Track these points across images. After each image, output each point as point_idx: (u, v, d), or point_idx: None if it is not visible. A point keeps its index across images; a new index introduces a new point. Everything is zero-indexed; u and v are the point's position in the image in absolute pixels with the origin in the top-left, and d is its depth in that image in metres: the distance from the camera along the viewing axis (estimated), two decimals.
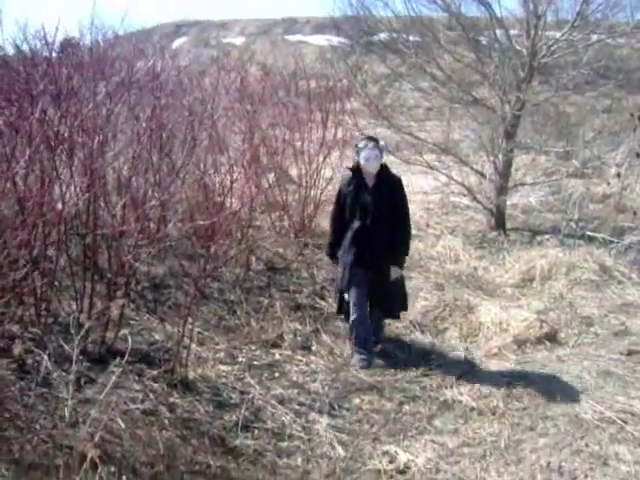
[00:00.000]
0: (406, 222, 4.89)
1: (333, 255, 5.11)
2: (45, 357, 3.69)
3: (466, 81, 7.74)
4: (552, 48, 7.26)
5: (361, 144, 4.82)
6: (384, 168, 4.87)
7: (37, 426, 3.31)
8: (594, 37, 7.54)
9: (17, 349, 3.69)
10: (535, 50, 7.20)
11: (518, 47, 7.39)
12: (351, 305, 4.87)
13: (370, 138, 4.92)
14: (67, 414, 3.24)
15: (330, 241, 5.14)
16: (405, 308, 5.13)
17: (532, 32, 7.16)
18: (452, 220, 8.16)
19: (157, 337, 4.86)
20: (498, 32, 7.35)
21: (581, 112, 8.47)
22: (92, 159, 4.38)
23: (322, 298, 5.82)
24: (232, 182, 6.26)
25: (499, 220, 7.74)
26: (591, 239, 7.04)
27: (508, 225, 7.79)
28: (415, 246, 6.88)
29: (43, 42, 5.65)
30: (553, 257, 6.48)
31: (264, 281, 6.06)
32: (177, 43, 18.19)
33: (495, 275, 6.42)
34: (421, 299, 5.71)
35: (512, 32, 7.48)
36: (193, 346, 4.52)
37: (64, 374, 3.94)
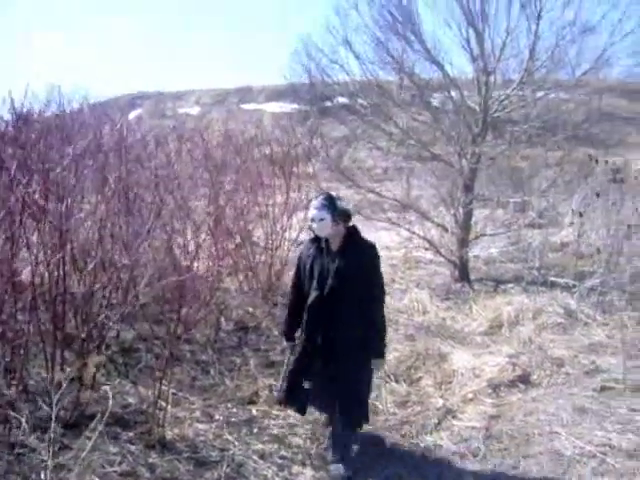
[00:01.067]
0: (378, 304, 4.04)
1: (289, 335, 4.30)
2: (23, 420, 3.64)
3: (423, 139, 8.03)
4: (503, 103, 7.63)
5: (312, 202, 4.15)
6: (353, 231, 4.09)
7: None
8: (541, 93, 7.97)
9: None
10: (487, 106, 7.56)
11: (471, 104, 7.74)
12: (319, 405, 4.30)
13: (323, 194, 4.13)
14: (47, 475, 3.19)
15: (286, 317, 4.37)
16: (365, 418, 4.23)
17: (483, 89, 7.53)
18: (416, 274, 8.32)
19: (130, 400, 4.82)
20: (451, 91, 7.71)
21: (534, 165, 8.84)
22: (61, 222, 4.42)
23: None
24: (198, 245, 6.32)
25: (463, 272, 7.93)
26: (553, 285, 7.26)
27: (472, 276, 7.98)
28: None
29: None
30: (519, 304, 6.65)
31: (235, 341, 6.08)
32: (133, 114, 18.43)
33: (463, 324, 6.55)
34: (393, 350, 5.77)
35: (465, 92, 7.84)
36: (168, 407, 4.48)
37: (38, 440, 3.90)
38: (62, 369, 4.43)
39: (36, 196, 4.38)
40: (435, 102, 8.32)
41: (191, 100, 22.06)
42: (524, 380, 5.19)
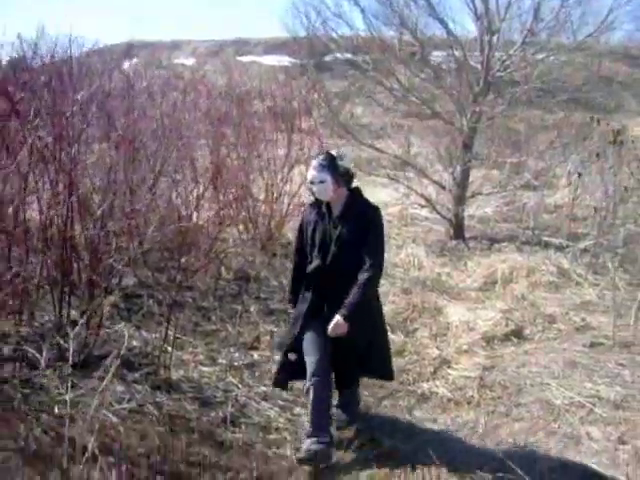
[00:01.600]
0: (373, 266, 3.71)
1: (295, 301, 4.08)
2: (41, 357, 3.78)
3: (423, 96, 8.08)
4: (505, 63, 7.68)
5: (311, 162, 3.91)
6: (356, 193, 3.87)
7: (37, 419, 3.40)
8: (543, 55, 8.03)
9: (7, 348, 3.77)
10: (489, 65, 7.61)
11: (473, 63, 7.79)
12: (307, 368, 3.79)
13: (322, 154, 3.90)
14: (68, 407, 3.34)
15: (290, 285, 4.24)
16: (390, 371, 4.13)
17: (486, 48, 7.57)
18: (412, 231, 8.45)
19: (135, 343, 4.95)
20: (454, 49, 7.74)
21: (532, 126, 8.92)
22: (70, 166, 4.50)
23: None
24: (199, 196, 6.42)
25: (458, 229, 8.07)
26: (547, 245, 7.42)
27: (467, 234, 8.12)
28: None
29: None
30: (513, 262, 6.81)
31: (235, 289, 6.21)
32: (128, 64, 18.24)
33: (458, 280, 6.71)
34: (389, 303, 5.92)
35: (467, 51, 7.87)
36: (173, 350, 4.62)
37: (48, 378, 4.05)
38: (69, 312, 4.57)
39: (49, 140, 4.43)
40: (437, 60, 8.35)
41: (187, 51, 21.83)
42: (517, 334, 5.37)
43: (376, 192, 9.15)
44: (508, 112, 8.08)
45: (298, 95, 8.81)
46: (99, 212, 4.82)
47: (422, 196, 8.11)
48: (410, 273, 6.86)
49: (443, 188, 8.07)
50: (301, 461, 3.61)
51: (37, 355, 3.74)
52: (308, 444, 3.61)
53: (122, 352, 4.82)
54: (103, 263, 4.76)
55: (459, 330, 5.46)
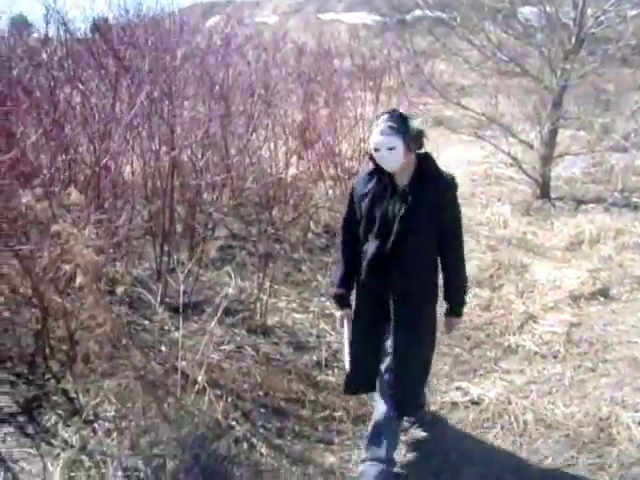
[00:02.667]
0: (458, 254, 3.23)
1: (342, 296, 3.37)
2: (157, 296, 4.10)
3: (512, 53, 8.00)
4: (599, 20, 7.50)
5: (374, 123, 3.16)
6: (426, 160, 3.17)
7: (153, 352, 3.74)
8: (638, 10, 7.79)
9: (120, 289, 4.10)
10: (582, 22, 7.45)
11: (564, 19, 7.64)
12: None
13: (389, 112, 3.15)
14: (180, 344, 3.64)
15: (337, 272, 3.40)
16: (419, 404, 3.59)
17: (580, 3, 7.41)
18: (497, 190, 8.44)
19: (230, 291, 5.24)
20: (545, 4, 7.61)
21: (624, 86, 8.70)
22: (174, 120, 4.76)
23: None
24: (289, 152, 6.63)
25: (544, 190, 8.03)
26: (636, 207, 7.32)
27: (552, 195, 8.07)
28: (463, 212, 7.21)
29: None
30: (600, 223, 6.77)
31: (324, 242, 6.43)
32: (211, 22, 18.51)
33: (544, 239, 6.72)
34: (475, 259, 6.03)
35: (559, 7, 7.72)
36: (267, 297, 4.88)
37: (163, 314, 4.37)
38: (169, 260, 4.88)
39: (155, 95, 4.69)
40: (526, 16, 8.23)
41: (268, 8, 21.95)
42: (604, 294, 5.39)
43: (460, 150, 9.21)
44: (600, 70, 7.90)
45: (382, 53, 8.88)
46: (199, 165, 5.10)
47: (508, 155, 8.08)
48: (495, 231, 6.91)
49: (530, 147, 8.02)
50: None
51: (149, 296, 4.05)
52: (363, 470, 3.23)
53: (221, 298, 5.17)
54: (201, 214, 5.06)
55: (545, 288, 5.53)
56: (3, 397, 3.60)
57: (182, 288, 3.92)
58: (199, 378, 3.55)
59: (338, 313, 3.46)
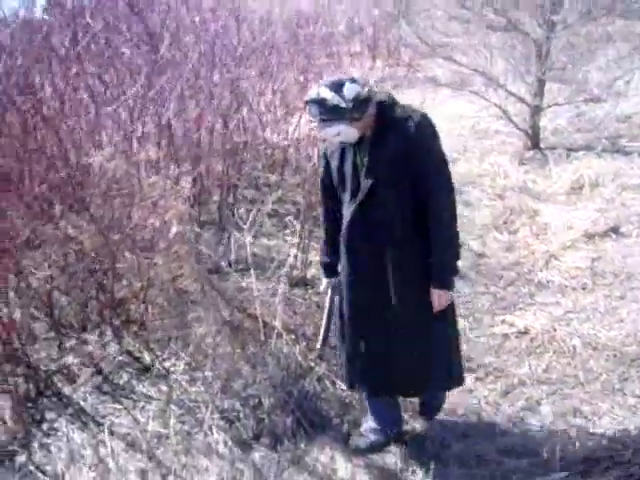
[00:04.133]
0: (441, 204, 2.81)
1: (326, 266, 3.24)
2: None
3: (497, 6, 8.24)
4: None
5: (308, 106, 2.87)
6: (389, 106, 2.85)
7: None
8: None
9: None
10: None
11: None
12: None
13: (313, 101, 2.80)
14: (255, 291, 3.84)
15: (323, 243, 3.28)
16: (459, 379, 3.13)
17: None
18: (488, 144, 8.70)
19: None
20: None
21: (608, 36, 9.05)
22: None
23: None
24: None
25: (534, 140, 8.34)
26: (627, 152, 7.70)
27: (542, 146, 8.39)
28: (462, 166, 7.53)
29: None
30: (597, 167, 7.14)
31: None
32: None
33: (545, 186, 7.04)
34: (484, 207, 6.33)
35: None
36: (305, 254, 5.04)
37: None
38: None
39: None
40: None
41: None
42: (615, 231, 5.75)
43: (449, 105, 9.46)
44: (584, 21, 8.22)
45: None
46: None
47: (499, 107, 8.36)
48: (497, 181, 7.19)
49: (519, 99, 8.31)
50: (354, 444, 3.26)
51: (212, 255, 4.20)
52: (363, 430, 3.30)
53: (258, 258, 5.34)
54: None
55: (558, 229, 5.85)
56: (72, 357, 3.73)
57: (249, 241, 4.07)
58: (277, 324, 3.77)
59: (324, 281, 3.31)
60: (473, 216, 6.16)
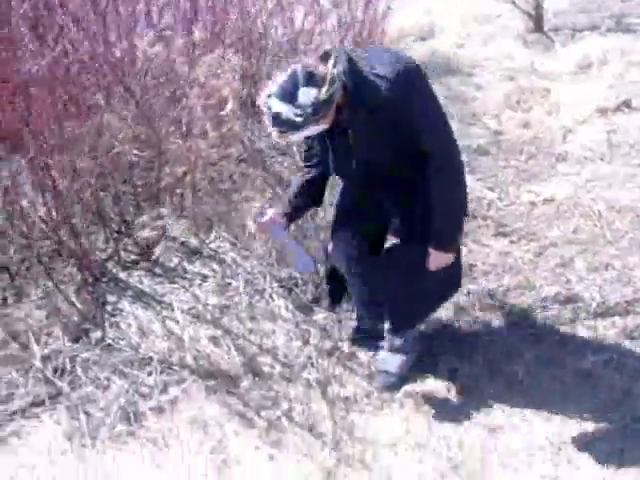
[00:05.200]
0: (440, 153, 2.49)
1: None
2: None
3: None
4: None
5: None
6: (352, 80, 2.37)
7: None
8: None
9: None
10: None
11: None
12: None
13: (270, 115, 2.36)
14: None
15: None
16: (455, 286, 3.02)
17: None
18: (489, 29, 8.70)
19: None
20: None
21: None
22: None
23: None
24: None
25: (537, 23, 8.36)
26: (632, 30, 7.79)
27: (545, 28, 8.43)
28: (467, 50, 7.62)
29: None
30: (603, 45, 7.23)
31: None
32: None
33: (553, 67, 7.14)
34: (496, 89, 6.47)
35: None
36: None
37: None
38: None
39: None
40: None
41: None
42: (627, 105, 5.93)
43: None
44: None
45: None
46: None
47: None
48: (504, 64, 7.29)
49: None
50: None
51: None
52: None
53: None
54: None
55: (571, 105, 6.02)
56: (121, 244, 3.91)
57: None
58: None
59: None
60: (485, 97, 6.30)
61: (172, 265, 3.96)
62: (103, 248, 4.06)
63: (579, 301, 3.42)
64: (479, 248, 3.99)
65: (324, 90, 2.28)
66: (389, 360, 2.99)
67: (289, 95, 2.29)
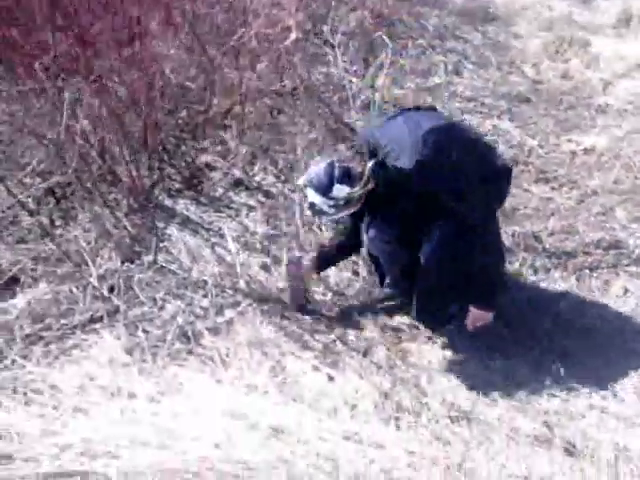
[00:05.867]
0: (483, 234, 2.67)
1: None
2: None
3: None
4: None
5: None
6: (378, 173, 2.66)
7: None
8: None
9: None
10: None
11: None
12: None
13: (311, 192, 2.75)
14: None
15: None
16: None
17: None
18: None
19: None
20: None
21: None
22: None
23: None
24: None
25: None
26: None
27: None
28: None
29: None
30: None
31: None
32: None
33: (593, 19, 7.11)
34: (534, 37, 6.45)
35: None
36: None
37: None
38: None
39: None
40: None
41: None
42: None
43: None
44: None
45: None
46: None
47: None
48: (543, 14, 7.24)
49: None
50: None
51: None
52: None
53: None
54: None
55: (610, 59, 6.03)
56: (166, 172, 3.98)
57: None
58: None
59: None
60: (524, 46, 6.31)
61: (217, 195, 4.03)
62: (147, 175, 4.12)
63: (622, 247, 3.50)
64: (521, 193, 4.06)
65: (357, 189, 2.62)
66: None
67: (324, 188, 2.64)
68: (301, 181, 2.74)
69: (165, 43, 3.77)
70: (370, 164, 2.60)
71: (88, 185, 3.79)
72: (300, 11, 3.17)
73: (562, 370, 2.78)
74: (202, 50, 3.64)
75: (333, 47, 4.14)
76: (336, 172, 2.62)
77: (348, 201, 2.63)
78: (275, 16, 3.26)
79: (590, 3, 7.55)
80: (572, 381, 2.75)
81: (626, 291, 3.26)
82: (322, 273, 3.33)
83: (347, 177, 2.62)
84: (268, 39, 3.39)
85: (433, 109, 2.90)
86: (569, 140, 4.72)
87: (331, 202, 2.63)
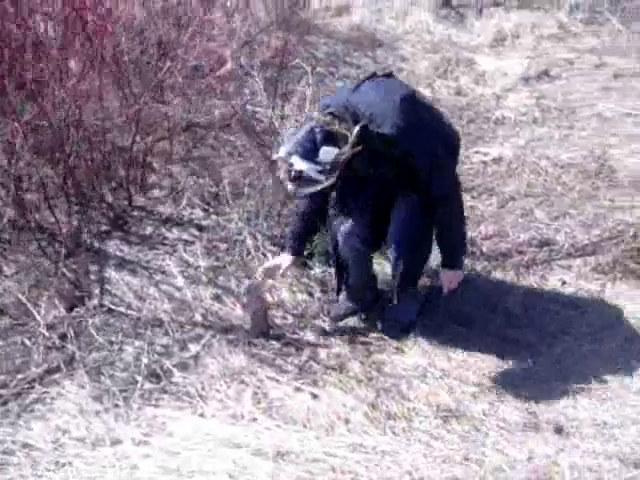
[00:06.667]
0: (449, 202, 2.91)
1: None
2: None
3: None
4: None
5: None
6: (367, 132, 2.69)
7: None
8: None
9: None
10: None
11: None
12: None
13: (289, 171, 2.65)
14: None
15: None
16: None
17: None
18: (399, 4, 9.06)
19: None
20: None
21: None
22: None
23: None
24: None
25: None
26: (534, 7, 8.37)
27: (453, 3, 8.90)
28: (387, 23, 7.94)
29: None
30: (515, 19, 7.80)
31: None
32: None
33: (469, 40, 7.63)
34: (421, 60, 6.85)
35: None
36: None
37: None
38: None
39: None
40: None
41: None
42: (546, 74, 6.47)
43: None
44: None
45: None
46: None
47: None
48: (423, 37, 7.68)
49: None
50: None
51: None
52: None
53: None
54: None
55: (496, 75, 6.51)
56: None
57: None
58: None
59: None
60: (413, 68, 6.66)
61: (147, 233, 3.97)
62: (67, 220, 3.99)
63: (552, 244, 3.78)
64: None
65: (345, 150, 2.59)
66: (399, 310, 3.20)
67: (311, 153, 2.56)
68: (282, 152, 2.61)
69: (84, 81, 3.70)
70: (357, 127, 2.61)
71: (6, 236, 3.63)
72: (234, 42, 3.21)
73: (530, 361, 2.95)
74: (127, 85, 3.61)
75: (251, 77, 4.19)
76: (318, 136, 2.57)
77: (334, 165, 2.57)
78: (207, 47, 3.29)
79: (465, 25, 8.07)
80: (540, 368, 2.93)
81: (563, 282, 3.51)
82: (275, 296, 3.38)
83: (330, 140, 2.58)
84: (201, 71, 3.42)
85: (391, 75, 3.03)
86: (477, 152, 5.02)
87: (319, 167, 2.55)
